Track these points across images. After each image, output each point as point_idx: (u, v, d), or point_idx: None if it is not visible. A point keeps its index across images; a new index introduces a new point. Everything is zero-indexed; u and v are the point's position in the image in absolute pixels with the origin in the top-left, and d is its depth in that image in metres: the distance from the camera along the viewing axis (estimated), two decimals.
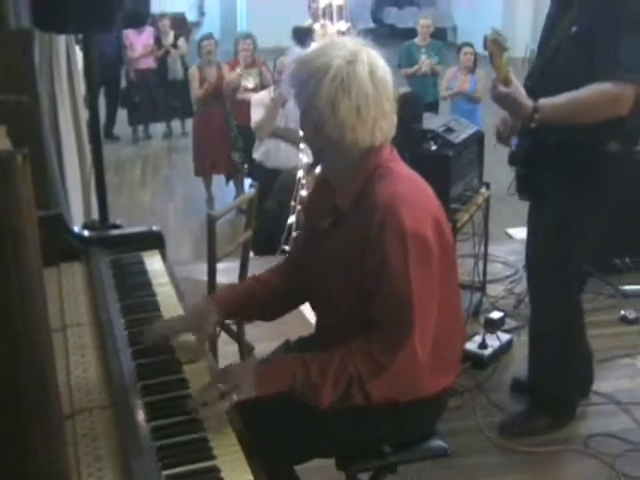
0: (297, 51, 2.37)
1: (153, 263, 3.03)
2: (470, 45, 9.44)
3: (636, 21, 3.23)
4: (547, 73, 3.48)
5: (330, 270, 2.43)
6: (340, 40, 2.41)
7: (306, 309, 2.90)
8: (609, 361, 4.57)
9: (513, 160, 3.71)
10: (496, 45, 3.17)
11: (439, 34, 12.33)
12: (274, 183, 6.87)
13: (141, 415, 2.08)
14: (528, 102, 3.21)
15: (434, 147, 4.45)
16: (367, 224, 2.25)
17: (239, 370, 2.27)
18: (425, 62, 9.60)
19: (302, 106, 2.32)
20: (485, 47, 3.18)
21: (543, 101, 3.22)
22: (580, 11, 3.33)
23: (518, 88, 3.22)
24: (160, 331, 2.46)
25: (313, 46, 2.34)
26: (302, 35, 7.77)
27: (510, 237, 5.89)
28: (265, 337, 3.64)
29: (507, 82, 3.19)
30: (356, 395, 2.25)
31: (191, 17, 17.42)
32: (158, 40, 11.84)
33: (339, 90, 2.21)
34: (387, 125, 2.33)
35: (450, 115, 7.07)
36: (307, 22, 7.55)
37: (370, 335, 2.27)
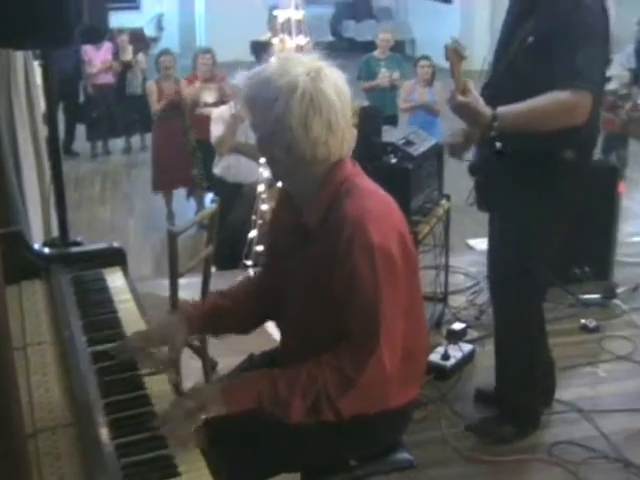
0: (245, 73, 2.35)
1: (115, 280, 3.01)
2: (427, 58, 9.48)
3: (592, 33, 3.29)
4: (505, 82, 3.52)
5: (298, 286, 2.44)
6: (295, 56, 2.42)
7: (269, 323, 2.90)
8: (571, 369, 4.61)
9: (473, 170, 3.75)
10: (455, 54, 3.20)
11: (397, 47, 12.37)
12: (236, 197, 6.87)
13: (105, 433, 2.06)
14: (487, 110, 3.24)
15: (394, 160, 4.47)
16: (335, 239, 2.26)
17: (206, 389, 2.27)
18: (385, 75, 9.64)
19: (267, 128, 2.27)
20: (446, 57, 3.21)
21: (502, 109, 3.26)
22: (537, 22, 3.39)
23: (477, 97, 3.26)
24: (135, 344, 2.46)
25: (269, 65, 2.32)
26: (260, 49, 7.78)
27: (471, 248, 5.93)
28: (229, 352, 3.63)
29: (465, 92, 3.22)
30: (326, 410, 2.26)
31: (149, 32, 17.34)
32: (117, 55, 11.79)
33: (310, 108, 2.22)
34: (351, 136, 2.36)
35: (409, 128, 7.11)
36: (265, 36, 7.55)
37: (338, 350, 2.28)
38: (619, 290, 5.63)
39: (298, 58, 2.33)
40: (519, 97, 3.28)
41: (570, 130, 3.28)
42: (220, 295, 2.72)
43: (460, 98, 3.23)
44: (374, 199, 2.37)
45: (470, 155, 3.80)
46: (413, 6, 20.44)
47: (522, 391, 3.91)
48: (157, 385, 2.33)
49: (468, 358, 4.66)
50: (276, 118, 2.23)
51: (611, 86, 7.17)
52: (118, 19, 12.16)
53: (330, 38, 19.60)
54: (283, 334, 2.66)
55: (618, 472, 3.80)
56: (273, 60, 2.35)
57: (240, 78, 2.35)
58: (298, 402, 2.23)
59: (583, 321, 5.20)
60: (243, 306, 2.68)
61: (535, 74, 3.33)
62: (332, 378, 2.24)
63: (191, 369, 4.11)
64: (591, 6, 3.33)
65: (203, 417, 2.14)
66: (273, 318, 2.71)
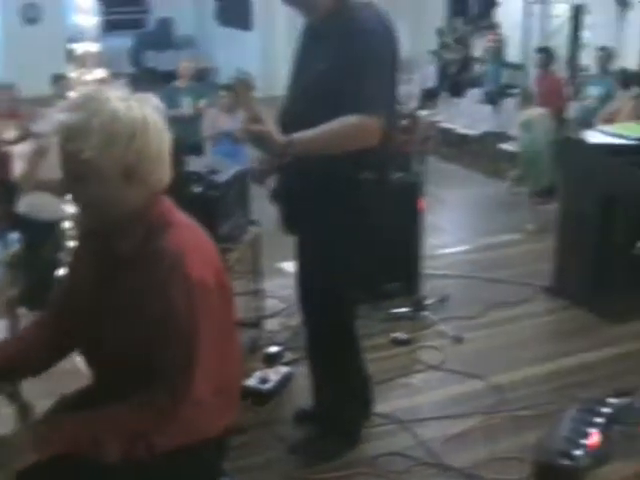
0: (75, 113, 2.28)
1: None
2: (228, 87, 9.50)
3: (378, 60, 3.41)
4: (299, 108, 3.58)
5: (110, 319, 2.40)
6: (106, 91, 2.38)
7: (81, 361, 2.85)
8: (387, 382, 4.72)
9: (274, 197, 3.77)
10: (243, 86, 3.25)
11: (200, 75, 12.39)
12: (43, 235, 6.69)
13: None
14: (280, 138, 3.29)
15: (199, 189, 4.45)
16: (153, 271, 2.26)
17: (16, 437, 2.21)
18: (187, 105, 9.62)
19: (116, 161, 2.24)
20: (235, 90, 3.25)
21: (296, 136, 3.31)
22: (326, 50, 3.47)
23: (269, 125, 3.31)
24: None
25: (106, 101, 2.26)
26: (60, 84, 7.64)
27: (282, 271, 5.97)
28: (43, 394, 3.52)
29: (257, 120, 3.27)
30: (143, 447, 2.24)
31: None
32: None
33: (157, 138, 2.28)
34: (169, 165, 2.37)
35: (214, 156, 7.13)
36: (65, 70, 7.43)
37: (152, 386, 2.27)
38: (428, 302, 5.80)
39: (110, 93, 2.30)
40: (313, 122, 3.34)
41: (366, 152, 3.39)
42: (7, 344, 2.68)
43: (252, 127, 3.28)
44: (191, 232, 2.40)
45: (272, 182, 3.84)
46: (214, 34, 20.51)
47: (339, 408, 3.97)
48: None
49: (286, 380, 4.69)
50: (134, 151, 2.23)
51: (405, 106, 7.43)
52: None
53: (131, 69, 19.43)
54: (97, 370, 2.61)
55: (437, 477, 3.93)
56: (105, 96, 2.29)
57: (73, 118, 2.26)
58: (114, 442, 2.22)
59: (394, 335, 5.33)
60: (36, 349, 2.64)
61: (327, 100, 3.39)
62: (147, 415, 2.24)
63: (3, 415, 3.98)
64: (377, 33, 3.44)
65: (16, 467, 2.09)
66: (83, 354, 2.66)
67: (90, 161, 2.22)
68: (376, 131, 3.37)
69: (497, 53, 13.06)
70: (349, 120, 3.33)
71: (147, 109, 2.29)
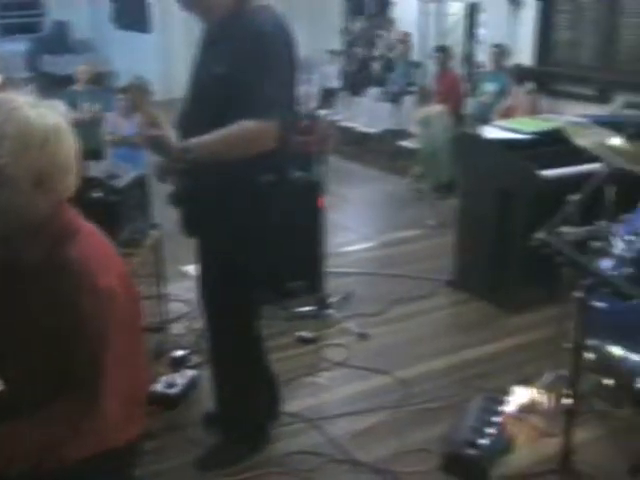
0: None
1: None
2: (125, 90, 9.38)
3: (275, 61, 3.41)
4: (198, 112, 3.56)
5: (16, 330, 2.36)
6: (14, 97, 2.34)
7: None
8: (293, 381, 4.77)
9: (173, 200, 3.71)
10: (139, 91, 3.23)
11: (98, 79, 12.23)
12: None
13: None
14: (177, 143, 3.29)
15: (99, 194, 4.41)
16: (59, 281, 2.23)
17: None
18: (85, 109, 9.50)
19: (28, 167, 2.20)
20: (129, 95, 3.23)
21: (193, 141, 3.31)
22: (223, 53, 3.45)
23: (166, 130, 3.30)
24: None
25: (16, 109, 2.21)
26: None
27: (186, 274, 5.94)
28: None
29: (154, 124, 3.26)
30: (52, 460, 2.23)
31: None
32: None
33: (69, 145, 2.26)
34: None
35: (112, 161, 7.05)
36: None
37: (62, 398, 2.25)
38: (332, 300, 5.87)
39: (33, 99, 2.28)
40: (211, 127, 3.34)
41: (265, 155, 3.39)
42: None
43: (148, 132, 3.27)
44: (95, 240, 2.38)
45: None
46: (112, 37, 20.23)
47: (245, 410, 3.99)
48: None
49: (193, 383, 4.68)
50: (47, 157, 2.21)
51: (304, 106, 7.46)
52: None
53: (27, 74, 19.08)
54: (4, 381, 2.57)
55: (348, 473, 3.99)
56: (14, 102, 2.24)
57: None
58: (22, 454, 2.20)
59: (300, 333, 5.38)
60: None
61: (225, 104, 3.39)
62: (58, 427, 2.22)
63: None
64: (274, 35, 3.44)
65: None
66: None
67: (4, 167, 2.18)
68: (272, 135, 3.37)
69: (406, 53, 13.13)
70: (246, 125, 3.33)
71: (57, 115, 2.27)
